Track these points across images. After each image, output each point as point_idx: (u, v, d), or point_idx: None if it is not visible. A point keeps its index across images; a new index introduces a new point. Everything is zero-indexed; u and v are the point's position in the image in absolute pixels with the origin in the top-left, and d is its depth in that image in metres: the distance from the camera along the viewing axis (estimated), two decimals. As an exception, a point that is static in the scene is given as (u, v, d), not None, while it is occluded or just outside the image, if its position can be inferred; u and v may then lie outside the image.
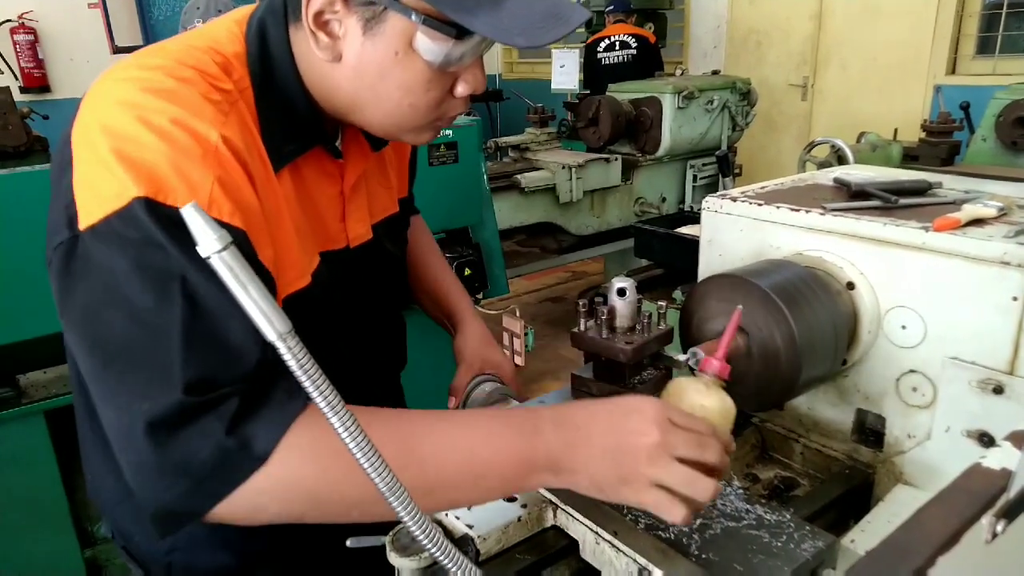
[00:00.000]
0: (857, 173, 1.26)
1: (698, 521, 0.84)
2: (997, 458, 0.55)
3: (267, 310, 0.56)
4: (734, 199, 1.16)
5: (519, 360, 2.33)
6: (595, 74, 5.74)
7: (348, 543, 0.88)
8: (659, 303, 0.98)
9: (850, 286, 1.01)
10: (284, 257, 0.87)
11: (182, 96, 0.77)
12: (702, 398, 0.78)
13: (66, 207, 0.74)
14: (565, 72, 4.78)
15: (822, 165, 2.67)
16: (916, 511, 0.50)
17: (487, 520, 0.89)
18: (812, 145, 2.83)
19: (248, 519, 0.74)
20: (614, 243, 4.27)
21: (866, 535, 0.90)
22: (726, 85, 4.40)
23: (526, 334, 2.71)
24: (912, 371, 0.99)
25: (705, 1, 6.54)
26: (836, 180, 1.22)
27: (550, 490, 0.91)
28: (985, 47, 4.92)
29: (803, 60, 5.81)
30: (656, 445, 0.71)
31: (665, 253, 2.38)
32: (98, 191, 0.73)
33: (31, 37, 6.35)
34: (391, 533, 0.86)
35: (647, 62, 5.54)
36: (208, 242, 0.54)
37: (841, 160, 2.64)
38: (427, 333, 1.39)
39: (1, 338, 1.84)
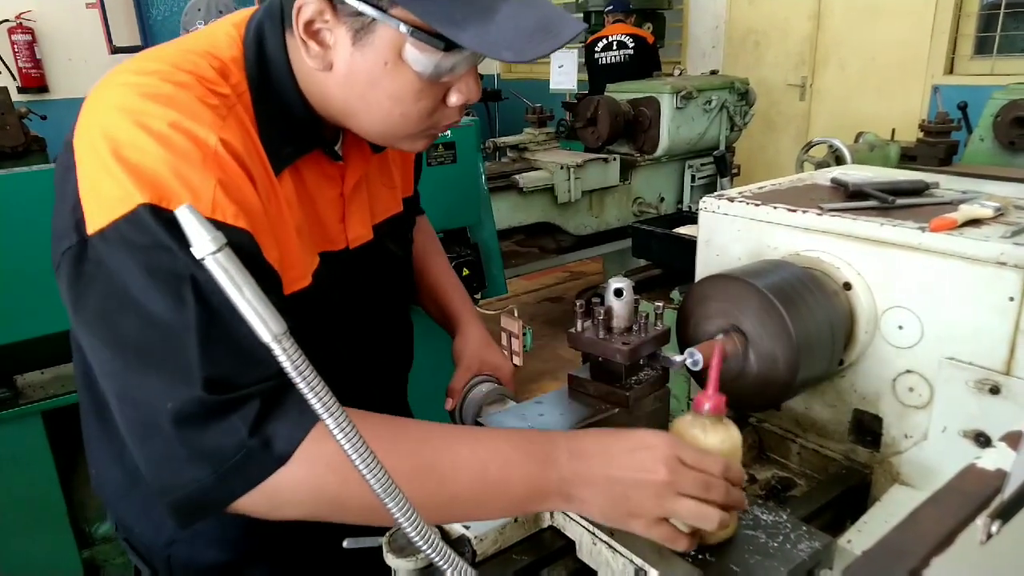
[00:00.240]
0: (854, 173, 1.26)
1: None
2: (992, 459, 0.55)
3: (262, 311, 0.56)
4: (731, 199, 1.16)
5: (517, 360, 2.33)
6: (593, 74, 5.75)
7: (345, 544, 0.88)
8: (656, 304, 0.98)
9: (847, 286, 1.01)
10: (286, 258, 0.88)
11: (179, 101, 0.78)
12: (704, 439, 0.78)
13: (72, 211, 0.75)
14: (564, 72, 4.77)
15: (820, 165, 2.67)
16: (911, 512, 0.50)
17: (484, 521, 0.89)
18: (810, 145, 2.84)
19: (267, 515, 0.77)
20: (612, 243, 4.27)
21: (863, 535, 0.90)
22: (724, 85, 4.40)
23: (524, 334, 2.71)
24: (909, 371, 0.99)
25: (704, 1, 6.54)
26: (833, 180, 1.22)
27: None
28: (983, 47, 4.92)
29: (801, 60, 5.81)
30: (663, 484, 0.73)
31: (663, 253, 2.38)
32: (103, 196, 0.74)
33: (29, 37, 6.34)
34: (387, 534, 0.86)
35: (645, 62, 5.54)
36: (202, 244, 0.54)
37: (839, 160, 2.64)
38: (429, 333, 1.39)
39: (-2, 339, 1.84)
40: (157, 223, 0.71)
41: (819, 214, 1.05)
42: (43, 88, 6.52)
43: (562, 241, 4.16)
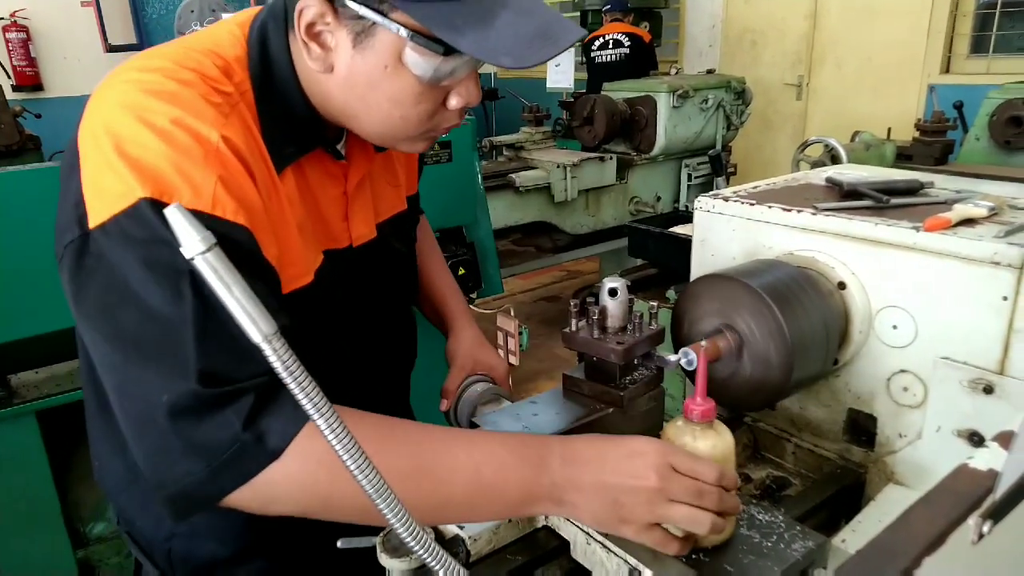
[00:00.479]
0: (849, 173, 1.26)
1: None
2: (984, 459, 0.55)
3: (252, 311, 0.55)
4: (726, 199, 1.16)
5: (513, 359, 2.33)
6: (590, 73, 5.75)
7: (339, 544, 0.88)
8: (650, 303, 0.98)
9: (841, 286, 1.01)
10: (286, 255, 0.89)
11: (183, 98, 0.79)
12: (694, 445, 0.77)
13: (75, 206, 0.76)
14: (560, 71, 4.77)
15: (816, 164, 2.68)
16: (903, 512, 0.50)
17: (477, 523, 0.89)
18: (806, 144, 2.84)
19: (259, 510, 0.78)
20: (609, 242, 4.27)
21: (857, 535, 0.90)
22: (721, 84, 4.40)
23: (520, 333, 2.70)
24: (903, 371, 0.99)
25: (700, 0, 6.55)
26: (828, 180, 1.22)
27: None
28: (979, 46, 4.93)
29: (798, 59, 5.82)
30: (654, 490, 0.74)
31: (659, 252, 2.38)
32: (105, 191, 0.75)
33: (23, 35, 6.31)
34: (381, 534, 0.86)
35: (641, 61, 5.54)
36: (192, 243, 0.53)
37: (835, 159, 2.64)
38: (430, 332, 1.39)
39: (-8, 338, 1.83)
40: (157, 217, 0.72)
41: (814, 214, 1.05)
42: (38, 86, 6.49)
43: (558, 240, 4.16)
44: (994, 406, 0.89)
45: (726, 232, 1.16)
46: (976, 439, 0.91)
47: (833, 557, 0.83)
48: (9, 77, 6.30)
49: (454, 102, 0.87)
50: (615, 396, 0.93)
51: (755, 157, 6.05)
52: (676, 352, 0.97)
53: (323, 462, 0.75)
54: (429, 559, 0.65)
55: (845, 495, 1.04)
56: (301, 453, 0.75)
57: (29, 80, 6.42)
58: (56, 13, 6.47)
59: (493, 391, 1.16)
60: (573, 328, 0.97)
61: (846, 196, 1.11)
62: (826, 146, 2.72)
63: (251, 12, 0.93)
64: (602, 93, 4.31)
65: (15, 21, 6.26)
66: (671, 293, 2.12)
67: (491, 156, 4.39)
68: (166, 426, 0.73)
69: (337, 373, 0.98)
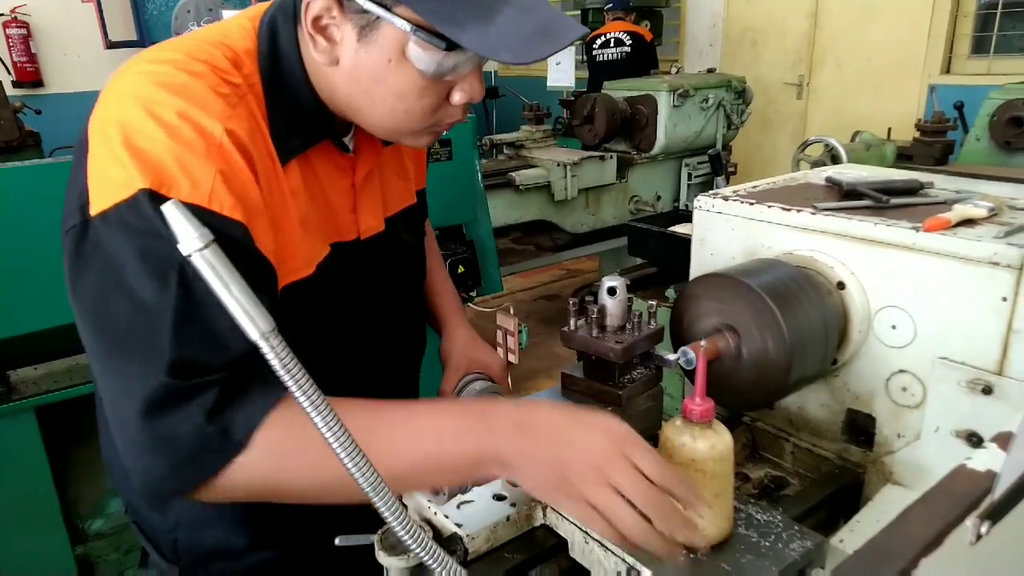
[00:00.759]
0: (849, 172, 1.26)
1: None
2: (982, 459, 0.55)
3: (250, 308, 0.55)
4: (726, 198, 1.16)
5: (512, 358, 2.32)
6: (591, 71, 5.75)
7: (337, 541, 0.88)
8: (649, 302, 0.98)
9: (840, 286, 1.01)
10: (286, 247, 0.90)
11: (191, 90, 0.80)
12: (692, 445, 0.77)
13: (80, 194, 0.79)
14: (561, 69, 4.76)
15: (816, 164, 2.67)
16: (900, 513, 0.50)
17: (476, 519, 0.89)
18: (806, 144, 2.84)
19: (225, 498, 0.80)
20: (609, 241, 4.27)
21: (855, 535, 0.90)
22: (721, 83, 4.40)
23: (520, 332, 2.70)
24: (902, 371, 0.99)
25: (701, -1, 6.54)
26: (828, 179, 1.22)
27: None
28: (980, 47, 4.93)
29: (799, 59, 5.81)
30: (595, 468, 0.72)
31: (658, 251, 2.38)
32: (108, 180, 0.77)
33: (23, 31, 6.30)
34: (379, 532, 0.86)
35: (642, 60, 5.54)
36: (189, 240, 0.53)
37: (835, 159, 2.64)
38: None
39: (-9, 334, 1.83)
40: (154, 210, 0.73)
41: (813, 213, 1.05)
42: (38, 83, 6.48)
43: (558, 239, 4.16)
44: (993, 407, 0.89)
45: (725, 231, 1.16)
46: (975, 440, 0.91)
47: (831, 557, 0.83)
48: (9, 73, 6.30)
49: (457, 97, 0.88)
50: (613, 395, 0.93)
51: (755, 156, 6.05)
52: (675, 351, 0.97)
53: (287, 454, 0.77)
54: (426, 557, 0.65)
55: (843, 495, 1.03)
56: (264, 444, 0.76)
57: (29, 76, 6.41)
58: (56, 9, 6.46)
59: (491, 389, 1.15)
60: (572, 327, 0.97)
61: (846, 196, 1.11)
62: (826, 146, 2.72)
63: (262, 6, 0.94)
64: (603, 92, 4.31)
65: (15, 17, 6.25)
66: (671, 292, 2.12)
67: (491, 154, 4.38)
68: (136, 420, 0.74)
69: (346, 364, 1.02)
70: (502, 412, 0.80)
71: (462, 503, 0.91)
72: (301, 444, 0.75)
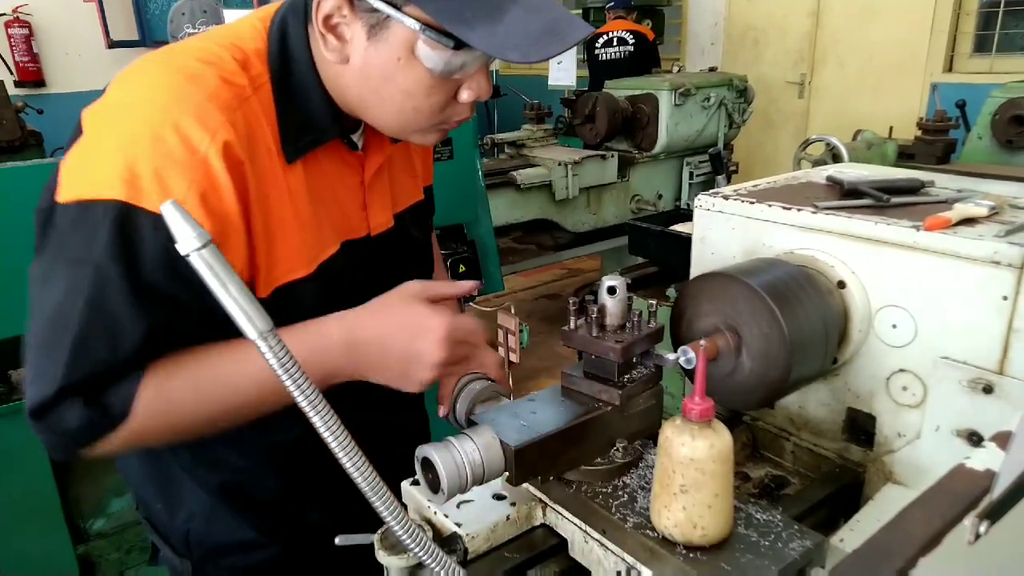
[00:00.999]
0: (850, 171, 1.26)
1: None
2: (981, 459, 0.55)
3: (247, 308, 0.56)
4: (726, 197, 1.16)
5: (514, 357, 2.32)
6: (593, 70, 5.75)
7: (337, 541, 0.88)
8: (650, 301, 0.97)
9: (841, 285, 1.01)
10: (279, 248, 0.91)
11: (190, 98, 0.82)
12: (692, 444, 0.77)
13: (54, 178, 0.83)
14: (562, 68, 4.76)
15: (817, 163, 2.67)
16: (899, 512, 0.50)
17: (476, 518, 0.89)
18: (807, 143, 2.83)
19: (130, 450, 0.93)
20: (610, 240, 4.27)
21: (855, 534, 0.90)
22: (723, 82, 4.40)
23: (521, 331, 2.70)
24: (902, 370, 0.99)
25: (703, -2, 6.54)
26: (829, 178, 1.21)
27: (539, 489, 0.91)
28: (982, 45, 4.92)
29: (800, 58, 5.81)
30: (437, 363, 0.92)
31: (659, 251, 2.38)
32: (83, 173, 0.80)
33: (25, 31, 6.31)
34: (379, 531, 0.86)
35: (644, 59, 5.54)
36: (187, 240, 0.54)
37: (836, 158, 2.64)
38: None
39: (-7, 334, 1.83)
40: (115, 220, 0.78)
41: (814, 212, 1.05)
42: (40, 82, 6.50)
43: (560, 238, 4.16)
44: (993, 406, 0.89)
45: (726, 230, 1.16)
46: (975, 439, 0.91)
47: (831, 556, 0.83)
48: (11, 73, 6.31)
49: (465, 95, 0.90)
50: (613, 394, 0.93)
51: (757, 155, 6.04)
52: (675, 350, 0.97)
53: (171, 407, 0.87)
54: (425, 557, 0.65)
55: (844, 494, 1.03)
56: (145, 407, 0.84)
57: (31, 76, 6.43)
58: (58, 9, 6.47)
59: (491, 389, 1.15)
60: (572, 326, 0.96)
61: (846, 195, 1.11)
62: (827, 145, 2.72)
63: (273, 6, 0.96)
64: (604, 91, 4.31)
65: (17, 17, 6.27)
66: (671, 291, 2.12)
67: (492, 154, 4.38)
68: (31, 409, 0.84)
69: None
70: (332, 339, 0.91)
71: (462, 502, 0.91)
72: (178, 394, 0.87)
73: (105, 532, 2.20)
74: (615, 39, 5.65)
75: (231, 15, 2.62)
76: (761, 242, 1.11)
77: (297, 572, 1.14)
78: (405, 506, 0.80)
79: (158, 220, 0.78)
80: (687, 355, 0.93)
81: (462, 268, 2.61)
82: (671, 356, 0.94)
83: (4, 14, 6.24)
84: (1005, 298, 0.87)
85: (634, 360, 0.97)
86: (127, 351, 0.83)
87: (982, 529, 0.46)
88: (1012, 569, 0.52)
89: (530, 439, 0.85)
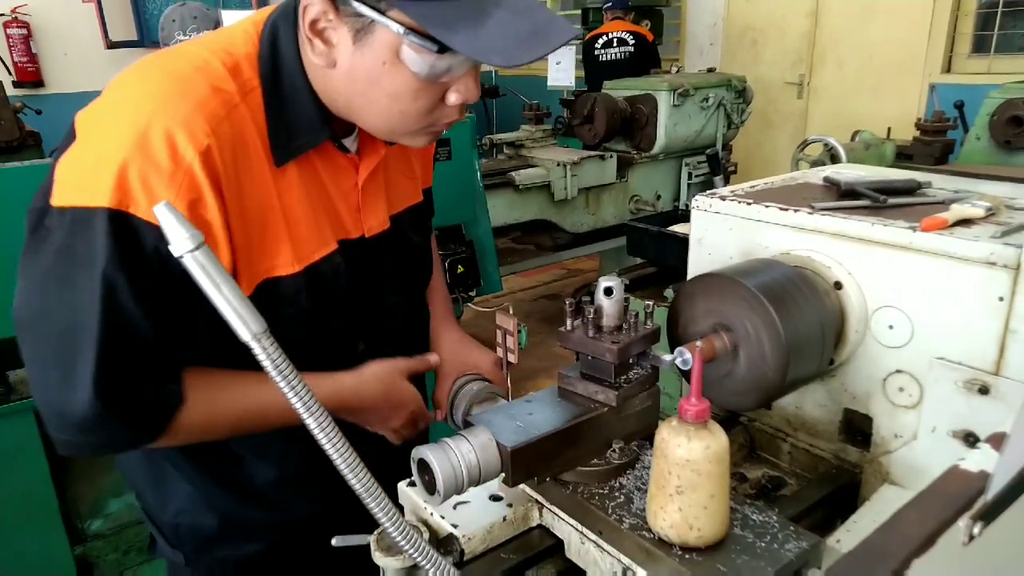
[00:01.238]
0: (847, 172, 1.26)
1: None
2: (976, 460, 0.55)
3: (240, 309, 0.56)
4: (723, 198, 1.16)
5: (512, 357, 2.32)
6: (592, 71, 5.74)
7: (333, 542, 0.88)
8: (646, 302, 0.97)
9: (837, 286, 1.01)
10: (265, 247, 0.93)
11: (180, 106, 0.83)
12: (688, 445, 0.77)
13: (49, 179, 0.84)
14: (561, 69, 4.76)
15: (815, 163, 2.67)
16: (893, 513, 0.50)
17: (472, 520, 0.89)
18: (805, 143, 2.83)
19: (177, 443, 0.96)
20: (609, 240, 4.26)
21: (852, 535, 0.90)
22: (722, 83, 4.39)
23: (519, 331, 2.70)
24: (899, 371, 0.99)
25: (702, -2, 6.53)
26: (826, 179, 1.21)
27: (536, 490, 0.91)
28: (980, 46, 4.92)
29: (799, 58, 5.81)
30: (393, 428, 1.12)
31: (657, 251, 2.38)
32: (75, 178, 0.81)
33: (24, 31, 6.31)
34: (376, 533, 0.86)
35: (644, 60, 5.53)
36: (180, 241, 0.54)
37: (834, 158, 2.64)
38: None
39: (-10, 334, 1.83)
40: (108, 229, 0.79)
41: (810, 213, 1.05)
42: (38, 83, 6.49)
43: (558, 238, 4.15)
44: (990, 407, 0.89)
45: (723, 231, 1.16)
46: (971, 440, 0.91)
47: (828, 557, 0.83)
48: (10, 73, 6.30)
49: (453, 98, 0.90)
50: (609, 395, 0.93)
51: (755, 156, 6.04)
52: (672, 351, 0.97)
53: (206, 433, 0.96)
54: (419, 558, 0.65)
55: (841, 495, 1.03)
56: (188, 429, 0.91)
57: (30, 76, 6.42)
58: (57, 9, 6.46)
59: (488, 390, 1.15)
60: (568, 327, 0.96)
61: (843, 196, 1.11)
62: (825, 145, 2.71)
63: (267, 11, 0.96)
64: (603, 91, 4.31)
65: (16, 17, 6.26)
66: (669, 292, 2.12)
67: (491, 154, 4.38)
68: (87, 405, 0.82)
69: (352, 359, 1.04)
70: (343, 403, 1.03)
71: (458, 504, 0.91)
72: (220, 421, 0.96)
73: (103, 533, 2.19)
74: (615, 40, 5.64)
75: (229, 16, 2.62)
76: (758, 243, 1.11)
77: (290, 565, 1.16)
78: (401, 507, 0.80)
79: (149, 226, 0.80)
80: (683, 356, 0.92)
81: (460, 268, 2.61)
82: (667, 357, 0.94)
83: (3, 15, 6.23)
84: (1001, 299, 0.87)
85: (631, 361, 0.97)
86: (149, 350, 0.86)
87: (976, 530, 0.46)
88: (1006, 570, 0.52)
89: (526, 440, 0.85)
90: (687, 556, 0.77)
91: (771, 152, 6.07)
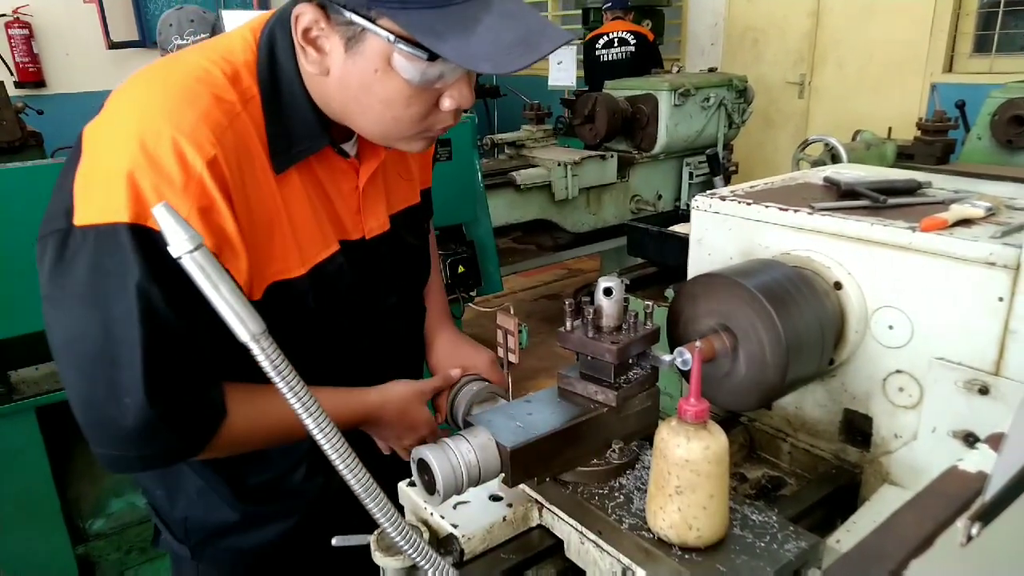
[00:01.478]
0: (847, 172, 1.26)
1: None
2: (974, 461, 0.55)
3: (239, 310, 0.56)
4: (723, 198, 1.16)
5: (513, 357, 2.32)
6: (593, 71, 5.73)
7: (333, 542, 0.88)
8: (646, 303, 0.97)
9: (837, 286, 1.01)
10: (273, 251, 0.93)
11: (183, 118, 0.83)
12: (687, 446, 0.77)
13: (66, 199, 0.82)
14: (562, 69, 4.76)
15: (816, 163, 2.67)
16: (891, 514, 0.50)
17: (472, 520, 0.89)
18: (806, 143, 2.83)
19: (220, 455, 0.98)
20: (610, 240, 4.26)
21: (851, 535, 0.90)
22: (723, 83, 4.39)
23: (520, 331, 2.70)
24: (899, 371, 0.99)
25: (702, -2, 6.52)
26: (826, 179, 1.21)
27: (536, 490, 0.91)
28: (982, 45, 4.91)
29: (800, 58, 5.80)
30: (405, 446, 1.14)
31: (657, 251, 2.38)
32: (94, 196, 0.81)
33: (26, 32, 6.32)
34: (375, 533, 0.86)
35: (646, 60, 5.53)
36: (179, 242, 0.54)
37: (835, 158, 2.64)
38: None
39: (-8, 334, 1.83)
40: (131, 241, 0.79)
41: (810, 213, 1.05)
42: (40, 83, 6.50)
43: (559, 238, 4.15)
44: (989, 407, 0.89)
45: (723, 231, 1.16)
46: (971, 440, 0.91)
47: (827, 558, 0.83)
48: (11, 73, 6.31)
49: (447, 104, 0.90)
50: (609, 395, 0.93)
51: (756, 156, 6.04)
52: (672, 352, 0.97)
53: (244, 445, 0.98)
54: (418, 558, 0.65)
55: (841, 495, 1.03)
56: (229, 444, 0.93)
57: (31, 76, 6.43)
58: (59, 10, 6.47)
59: (489, 390, 1.16)
60: (568, 327, 0.96)
61: (843, 196, 1.11)
62: (826, 145, 2.71)
63: (264, 16, 0.97)
64: (604, 91, 4.30)
65: (18, 18, 6.27)
66: (669, 292, 2.12)
67: (492, 154, 4.38)
68: (141, 412, 0.83)
69: (351, 360, 1.06)
70: (366, 417, 1.09)
71: (458, 504, 0.91)
72: (258, 435, 0.99)
73: (104, 532, 2.20)
74: (616, 40, 5.64)
75: (230, 16, 2.62)
76: (758, 243, 1.11)
77: (296, 553, 1.16)
78: (401, 507, 0.80)
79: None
80: (683, 356, 0.92)
81: (461, 268, 2.61)
82: (667, 357, 0.94)
83: (4, 15, 6.24)
84: (1001, 299, 0.87)
85: (630, 361, 0.97)
86: (191, 355, 0.87)
87: (974, 531, 0.46)
88: (1004, 571, 0.52)
89: (526, 440, 0.85)
90: (686, 556, 0.77)
91: (772, 152, 6.07)
